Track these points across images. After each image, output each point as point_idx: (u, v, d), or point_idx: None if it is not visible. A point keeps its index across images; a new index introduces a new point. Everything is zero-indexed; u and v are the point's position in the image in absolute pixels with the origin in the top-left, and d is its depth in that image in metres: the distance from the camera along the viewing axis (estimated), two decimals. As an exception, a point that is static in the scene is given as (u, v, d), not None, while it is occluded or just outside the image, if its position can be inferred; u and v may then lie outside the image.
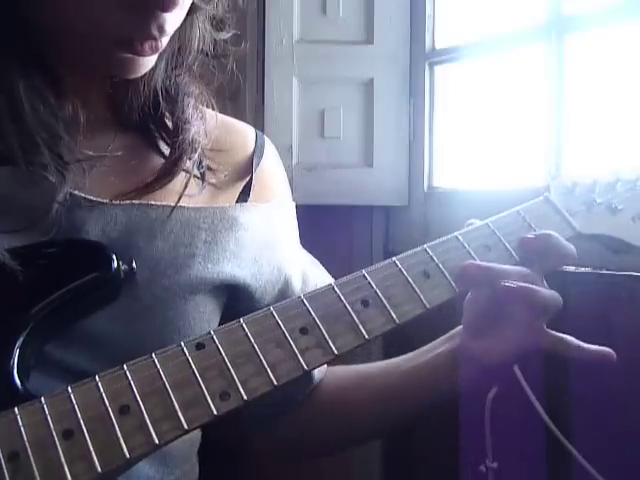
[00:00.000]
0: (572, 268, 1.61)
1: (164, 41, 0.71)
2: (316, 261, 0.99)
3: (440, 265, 0.75)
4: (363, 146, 2.07)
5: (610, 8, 1.63)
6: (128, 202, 0.76)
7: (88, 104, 0.78)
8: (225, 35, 0.83)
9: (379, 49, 2.05)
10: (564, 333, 1.73)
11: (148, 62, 0.73)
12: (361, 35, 2.06)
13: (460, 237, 0.78)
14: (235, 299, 0.83)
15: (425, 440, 2.02)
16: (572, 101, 1.73)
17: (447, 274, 0.74)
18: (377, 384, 0.91)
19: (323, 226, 2.08)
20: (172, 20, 0.69)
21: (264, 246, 0.85)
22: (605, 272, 1.55)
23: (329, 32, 2.06)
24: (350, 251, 2.15)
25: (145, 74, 0.76)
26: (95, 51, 0.70)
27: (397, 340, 1.96)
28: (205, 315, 0.79)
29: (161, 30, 0.68)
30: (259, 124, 2.00)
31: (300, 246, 0.97)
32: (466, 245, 0.78)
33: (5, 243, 0.67)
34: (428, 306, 0.72)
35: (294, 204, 0.96)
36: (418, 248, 0.76)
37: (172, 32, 0.72)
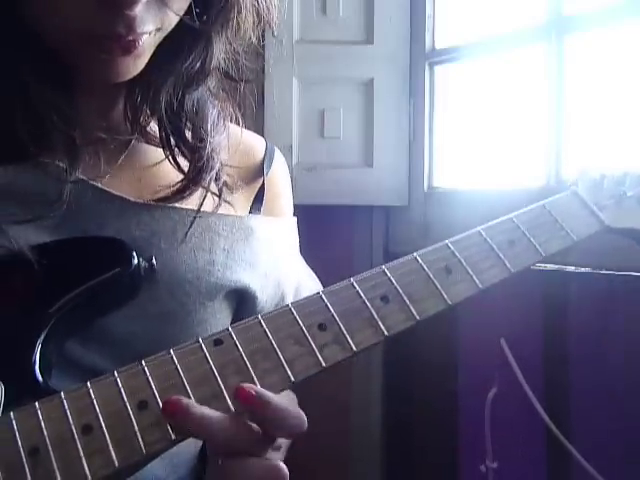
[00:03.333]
0: (572, 268, 1.62)
1: (141, 43, 0.69)
2: (312, 274, 0.99)
3: (462, 260, 0.73)
4: (363, 146, 2.07)
5: (610, 8, 1.64)
6: (153, 203, 0.76)
7: (102, 100, 0.78)
8: (244, 60, 0.83)
9: (379, 49, 2.06)
10: (564, 333, 1.74)
11: (127, 67, 0.71)
12: (361, 35, 2.06)
13: (483, 232, 0.76)
14: (241, 307, 0.83)
15: (425, 440, 2.03)
16: (572, 101, 1.73)
17: (469, 270, 0.73)
18: None
19: (323, 226, 2.09)
20: (145, 20, 0.67)
21: (272, 260, 0.86)
22: (605, 272, 1.56)
23: (329, 32, 2.06)
24: (350, 251, 2.15)
25: (151, 88, 0.76)
26: (72, 50, 0.69)
27: (397, 350, 1.98)
28: (221, 320, 0.80)
29: (130, 29, 0.66)
30: (259, 124, 2.00)
31: (299, 257, 0.97)
32: (489, 240, 0.76)
33: (23, 236, 0.68)
34: (450, 302, 0.70)
35: (295, 218, 0.96)
36: (440, 243, 0.74)
37: (146, 33, 0.69)
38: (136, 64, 0.71)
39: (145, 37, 0.69)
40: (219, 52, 0.78)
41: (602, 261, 1.54)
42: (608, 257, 1.49)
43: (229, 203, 0.83)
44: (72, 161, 0.71)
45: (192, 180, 0.79)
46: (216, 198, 0.81)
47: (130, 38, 0.67)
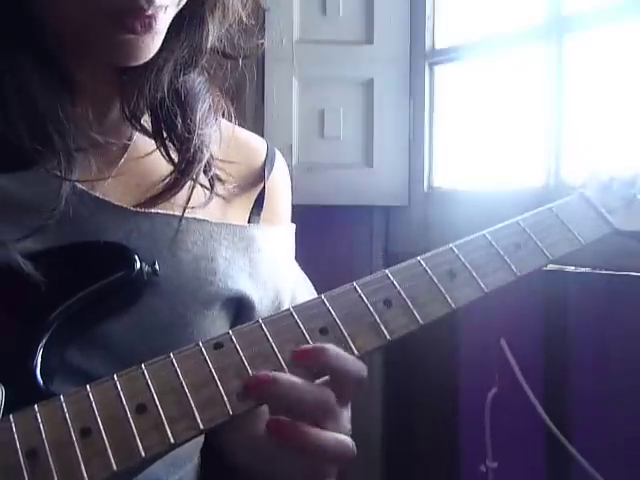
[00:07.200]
0: (572, 268, 1.62)
1: (159, 19, 0.69)
2: (306, 278, 0.98)
3: (467, 264, 0.72)
4: (363, 146, 2.07)
5: (610, 8, 1.64)
6: (153, 211, 0.76)
7: (97, 105, 0.77)
8: (239, 36, 0.82)
9: (379, 49, 2.06)
10: (564, 333, 1.74)
11: (147, 46, 0.71)
12: (361, 35, 2.06)
13: (488, 235, 0.75)
14: (239, 316, 0.83)
15: (425, 440, 2.03)
16: (572, 101, 1.73)
17: (474, 273, 0.71)
18: None
19: (323, 226, 2.09)
20: None
21: (272, 269, 0.85)
22: (605, 272, 1.56)
23: (329, 32, 2.06)
24: (350, 251, 2.15)
25: (153, 71, 0.75)
26: (92, 33, 0.69)
27: (397, 351, 1.98)
28: (220, 328, 0.79)
29: (150, 3, 0.66)
30: (259, 124, 2.00)
31: (294, 263, 0.97)
32: (494, 244, 0.74)
33: (22, 247, 0.67)
34: (454, 306, 0.69)
35: (293, 225, 0.95)
36: (443, 247, 0.73)
37: (164, 7, 0.69)
38: (154, 43, 0.71)
39: (162, 13, 0.69)
40: (213, 31, 0.78)
41: (602, 261, 1.54)
42: (608, 257, 1.49)
43: (223, 198, 0.83)
44: (68, 165, 0.70)
45: (182, 172, 0.78)
46: (216, 208, 0.81)
47: (150, 12, 0.67)
